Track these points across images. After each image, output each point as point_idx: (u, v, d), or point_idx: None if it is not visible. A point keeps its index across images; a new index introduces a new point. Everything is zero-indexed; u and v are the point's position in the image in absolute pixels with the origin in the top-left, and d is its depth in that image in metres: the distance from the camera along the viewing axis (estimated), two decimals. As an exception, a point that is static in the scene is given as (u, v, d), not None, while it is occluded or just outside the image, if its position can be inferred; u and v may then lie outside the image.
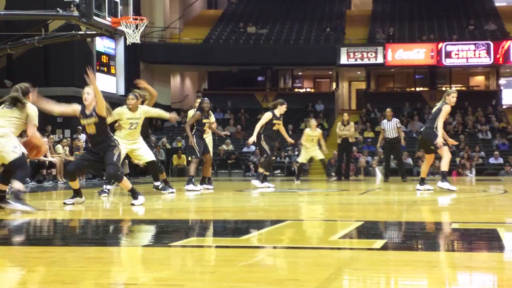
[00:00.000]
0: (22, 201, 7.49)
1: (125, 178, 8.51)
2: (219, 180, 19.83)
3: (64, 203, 8.48)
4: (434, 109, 11.43)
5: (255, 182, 13.46)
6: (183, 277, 3.67)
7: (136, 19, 15.57)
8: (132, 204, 8.27)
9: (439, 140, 11.00)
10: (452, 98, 11.11)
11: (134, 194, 8.39)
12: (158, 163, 11.55)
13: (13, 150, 7.51)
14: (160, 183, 11.34)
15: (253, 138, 13.37)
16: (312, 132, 17.18)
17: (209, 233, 5.99)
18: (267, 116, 13.36)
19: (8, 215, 7.28)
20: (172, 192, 11.12)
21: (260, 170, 13.70)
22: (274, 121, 13.35)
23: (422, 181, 11.75)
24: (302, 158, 17.65)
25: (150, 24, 27.57)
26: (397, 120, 17.66)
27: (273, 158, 14.32)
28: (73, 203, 8.45)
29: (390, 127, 16.98)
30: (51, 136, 19.96)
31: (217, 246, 4.86)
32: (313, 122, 17.50)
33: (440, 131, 11.03)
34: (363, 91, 36.36)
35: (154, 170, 11.23)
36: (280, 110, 13.50)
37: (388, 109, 17.82)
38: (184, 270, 3.95)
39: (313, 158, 17.87)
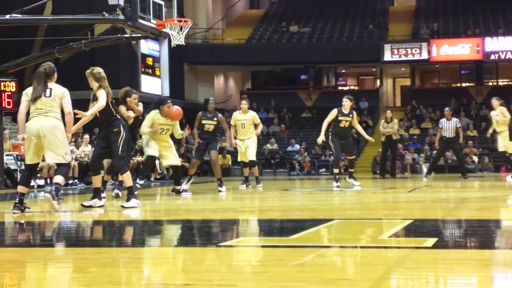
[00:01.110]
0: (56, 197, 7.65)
1: (128, 173, 8.40)
2: (264, 180, 19.84)
3: (82, 205, 8.44)
4: None
5: (351, 181, 13.23)
6: (234, 277, 3.69)
7: (180, 21, 15.65)
8: (122, 207, 8.20)
9: None
10: None
11: (129, 194, 8.22)
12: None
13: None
14: (181, 187, 11.29)
15: (321, 137, 13.03)
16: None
17: (257, 232, 6.01)
18: (332, 114, 12.98)
19: (28, 217, 7.41)
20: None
21: (335, 170, 13.44)
22: (340, 118, 12.88)
23: None
24: None
25: (194, 26, 27.71)
26: (457, 119, 17.42)
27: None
28: (90, 206, 8.31)
29: (449, 126, 16.74)
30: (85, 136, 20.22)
31: (266, 246, 4.88)
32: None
33: None
34: (407, 88, 36.04)
35: (177, 174, 11.30)
36: (345, 107, 13.03)
37: (447, 108, 17.60)
38: (235, 270, 3.97)
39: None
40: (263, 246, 4.87)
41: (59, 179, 7.79)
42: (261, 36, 35.84)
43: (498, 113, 14.47)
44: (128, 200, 8.21)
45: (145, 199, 10.15)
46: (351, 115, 12.98)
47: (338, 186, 12.60)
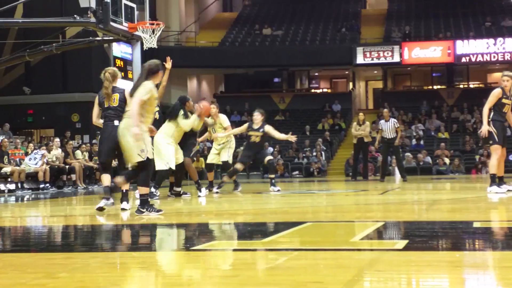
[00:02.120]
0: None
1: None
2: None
3: (123, 209, 8.32)
4: None
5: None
6: (205, 282, 3.68)
7: (153, 24, 15.62)
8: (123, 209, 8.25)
9: (483, 129, 10.16)
10: (502, 81, 10.28)
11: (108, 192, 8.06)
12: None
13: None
14: (181, 190, 11.29)
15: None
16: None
17: (229, 236, 6.00)
18: (243, 127, 12.94)
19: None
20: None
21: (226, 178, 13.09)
22: (250, 133, 12.82)
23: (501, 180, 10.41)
24: None
25: (166, 28, 27.64)
26: (395, 120, 17.58)
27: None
28: (105, 206, 8.14)
29: (388, 127, 16.96)
30: (70, 142, 20.09)
31: (238, 250, 4.87)
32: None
33: (484, 119, 10.19)
34: (380, 90, 36.28)
35: (180, 175, 11.31)
36: (256, 121, 12.95)
37: (385, 110, 17.83)
38: (205, 274, 3.96)
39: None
40: (234, 250, 4.86)
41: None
42: (234, 39, 35.84)
43: None
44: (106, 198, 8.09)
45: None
46: (261, 129, 12.77)
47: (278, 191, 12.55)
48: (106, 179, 8.33)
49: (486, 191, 10.25)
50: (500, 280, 3.52)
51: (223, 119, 12.90)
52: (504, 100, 10.26)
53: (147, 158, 7.51)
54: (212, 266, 4.29)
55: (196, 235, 6.16)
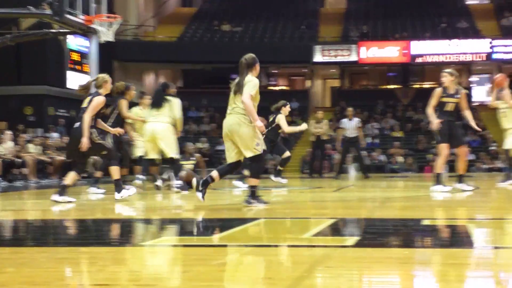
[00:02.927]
0: None
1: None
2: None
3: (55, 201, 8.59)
4: None
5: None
6: (155, 277, 3.66)
7: (110, 17, 15.47)
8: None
9: (434, 126, 10.20)
10: (442, 78, 10.36)
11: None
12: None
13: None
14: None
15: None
16: None
17: (181, 232, 5.98)
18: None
19: None
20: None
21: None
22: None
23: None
24: None
25: (124, 22, 27.39)
26: (358, 119, 17.75)
27: None
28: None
29: (351, 126, 17.10)
30: (22, 135, 19.78)
31: (190, 245, 4.85)
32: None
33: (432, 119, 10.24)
34: (337, 89, 36.51)
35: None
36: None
37: (349, 108, 17.98)
38: (156, 270, 3.94)
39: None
40: (186, 246, 4.84)
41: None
42: (193, 34, 35.71)
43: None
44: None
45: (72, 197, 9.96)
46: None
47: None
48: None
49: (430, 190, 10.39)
50: (445, 276, 3.57)
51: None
52: (444, 99, 10.30)
53: (263, 150, 7.72)
54: (162, 261, 4.27)
55: (148, 230, 6.12)
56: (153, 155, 11.27)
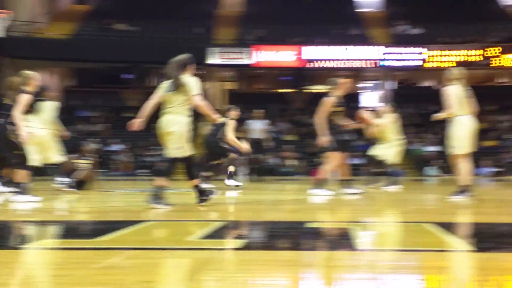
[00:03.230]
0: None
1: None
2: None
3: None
4: None
5: None
6: (31, 281, 3.54)
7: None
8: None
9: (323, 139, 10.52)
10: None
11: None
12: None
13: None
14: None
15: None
16: None
17: (63, 234, 5.83)
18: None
19: None
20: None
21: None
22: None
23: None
24: None
25: (15, 18, 26.56)
26: (266, 121, 17.87)
27: None
28: None
29: (257, 128, 17.21)
30: None
31: (71, 248, 4.72)
32: None
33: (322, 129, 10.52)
34: (232, 92, 36.70)
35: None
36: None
37: (260, 111, 18.05)
38: (34, 274, 3.82)
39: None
40: (67, 249, 4.70)
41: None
42: (86, 32, 35.02)
43: None
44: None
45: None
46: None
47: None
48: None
49: (311, 193, 10.64)
50: (328, 278, 3.63)
51: None
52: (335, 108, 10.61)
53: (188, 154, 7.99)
54: (42, 265, 4.14)
55: (28, 233, 5.93)
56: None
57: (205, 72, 36.57)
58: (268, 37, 35.37)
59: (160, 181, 7.89)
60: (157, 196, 7.84)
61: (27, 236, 5.68)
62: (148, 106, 8.11)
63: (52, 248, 4.75)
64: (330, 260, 4.26)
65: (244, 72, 36.34)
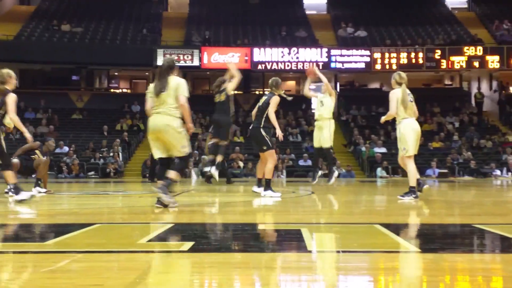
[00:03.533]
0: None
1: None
2: (27, 183, 19.06)
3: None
4: (261, 103, 11.49)
5: None
6: (-22, 287, 3.49)
7: None
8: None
9: (280, 132, 11.16)
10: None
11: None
12: None
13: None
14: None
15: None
16: None
17: (9, 237, 5.74)
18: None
19: None
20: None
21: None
22: None
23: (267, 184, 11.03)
24: None
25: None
26: None
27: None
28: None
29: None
30: None
31: (17, 252, 4.66)
32: None
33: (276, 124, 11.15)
34: (179, 93, 36.57)
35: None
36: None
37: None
38: (-20, 278, 3.76)
39: None
40: (15, 252, 4.65)
41: (172, 174, 8.08)
42: (30, 33, 34.50)
43: None
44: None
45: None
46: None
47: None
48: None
49: (260, 195, 10.76)
50: (277, 280, 3.67)
51: None
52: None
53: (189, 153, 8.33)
54: (-12, 270, 4.08)
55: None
56: None
57: (152, 74, 36.41)
58: (214, 39, 35.38)
59: (173, 175, 8.12)
60: (166, 188, 8.11)
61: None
62: (150, 110, 8.36)
63: (-2, 253, 4.67)
64: (280, 262, 4.29)
65: (191, 73, 36.23)
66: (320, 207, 9.43)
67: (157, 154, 8.28)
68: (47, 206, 9.29)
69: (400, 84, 10.10)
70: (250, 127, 11.59)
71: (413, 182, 10.03)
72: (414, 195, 9.95)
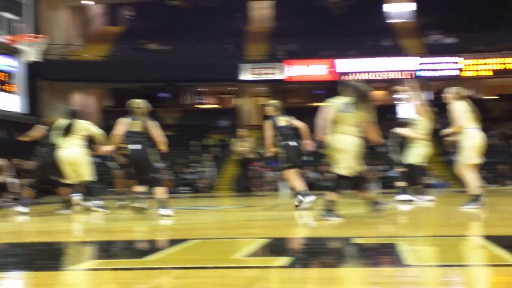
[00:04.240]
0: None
1: None
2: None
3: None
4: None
5: None
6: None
7: (34, 37, 15.19)
8: None
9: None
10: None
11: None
12: None
13: None
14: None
15: None
16: None
17: (109, 254, 5.86)
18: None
19: None
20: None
21: None
22: None
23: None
24: None
25: (50, 41, 26.94)
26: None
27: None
28: None
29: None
30: None
31: (117, 269, 4.75)
32: None
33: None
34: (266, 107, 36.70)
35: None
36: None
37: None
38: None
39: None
40: (113, 269, 4.73)
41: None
42: (120, 53, 35.42)
43: None
44: None
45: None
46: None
47: None
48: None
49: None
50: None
51: None
52: None
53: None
54: (90, 286, 4.17)
55: (77, 253, 5.99)
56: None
57: (237, 89, 36.77)
58: (299, 51, 35.38)
59: (332, 196, 8.27)
60: (329, 210, 8.24)
61: (73, 256, 5.72)
62: (327, 123, 8.39)
63: (99, 269, 4.78)
64: (375, 276, 4.22)
65: (277, 87, 36.34)
66: (414, 219, 9.25)
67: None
68: (141, 222, 9.47)
69: (462, 97, 10.39)
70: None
71: (475, 191, 10.09)
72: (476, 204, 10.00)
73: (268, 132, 11.61)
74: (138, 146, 10.36)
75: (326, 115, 8.38)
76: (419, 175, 13.17)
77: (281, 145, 11.52)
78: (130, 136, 10.44)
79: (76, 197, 11.82)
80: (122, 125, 10.51)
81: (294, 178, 11.48)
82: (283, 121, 11.82)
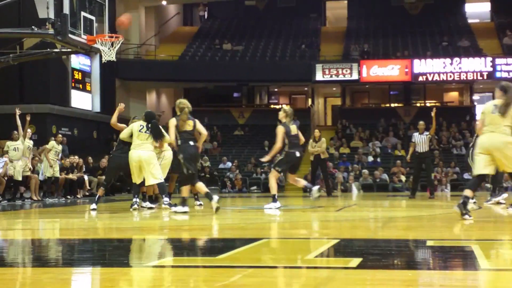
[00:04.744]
0: None
1: None
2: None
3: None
4: None
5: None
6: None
7: (112, 37, 15.50)
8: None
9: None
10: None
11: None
12: None
13: None
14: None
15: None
16: None
17: (184, 252, 5.96)
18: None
19: None
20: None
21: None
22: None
23: None
24: None
25: (126, 41, 27.50)
26: (427, 133, 16.79)
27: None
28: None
29: (422, 140, 16.35)
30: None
31: (192, 266, 4.83)
32: None
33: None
34: (338, 107, 36.53)
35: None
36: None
37: (421, 122, 16.99)
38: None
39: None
40: (188, 267, 4.81)
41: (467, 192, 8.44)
42: (194, 53, 35.83)
43: None
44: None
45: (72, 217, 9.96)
46: None
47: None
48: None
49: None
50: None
51: None
52: None
53: None
54: (164, 283, 4.25)
55: (149, 251, 6.10)
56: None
57: (310, 89, 36.69)
58: (373, 52, 35.07)
59: (469, 193, 8.41)
60: (465, 204, 8.36)
61: (145, 254, 5.83)
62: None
63: (172, 266, 4.86)
64: (452, 280, 4.16)
65: (350, 87, 36.11)
66: (488, 222, 9.06)
67: (486, 170, 8.44)
68: (212, 221, 9.57)
69: None
70: None
71: None
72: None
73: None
74: (194, 143, 10.68)
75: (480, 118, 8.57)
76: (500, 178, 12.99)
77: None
78: (185, 134, 10.65)
79: (137, 199, 11.97)
80: (176, 125, 10.65)
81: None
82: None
